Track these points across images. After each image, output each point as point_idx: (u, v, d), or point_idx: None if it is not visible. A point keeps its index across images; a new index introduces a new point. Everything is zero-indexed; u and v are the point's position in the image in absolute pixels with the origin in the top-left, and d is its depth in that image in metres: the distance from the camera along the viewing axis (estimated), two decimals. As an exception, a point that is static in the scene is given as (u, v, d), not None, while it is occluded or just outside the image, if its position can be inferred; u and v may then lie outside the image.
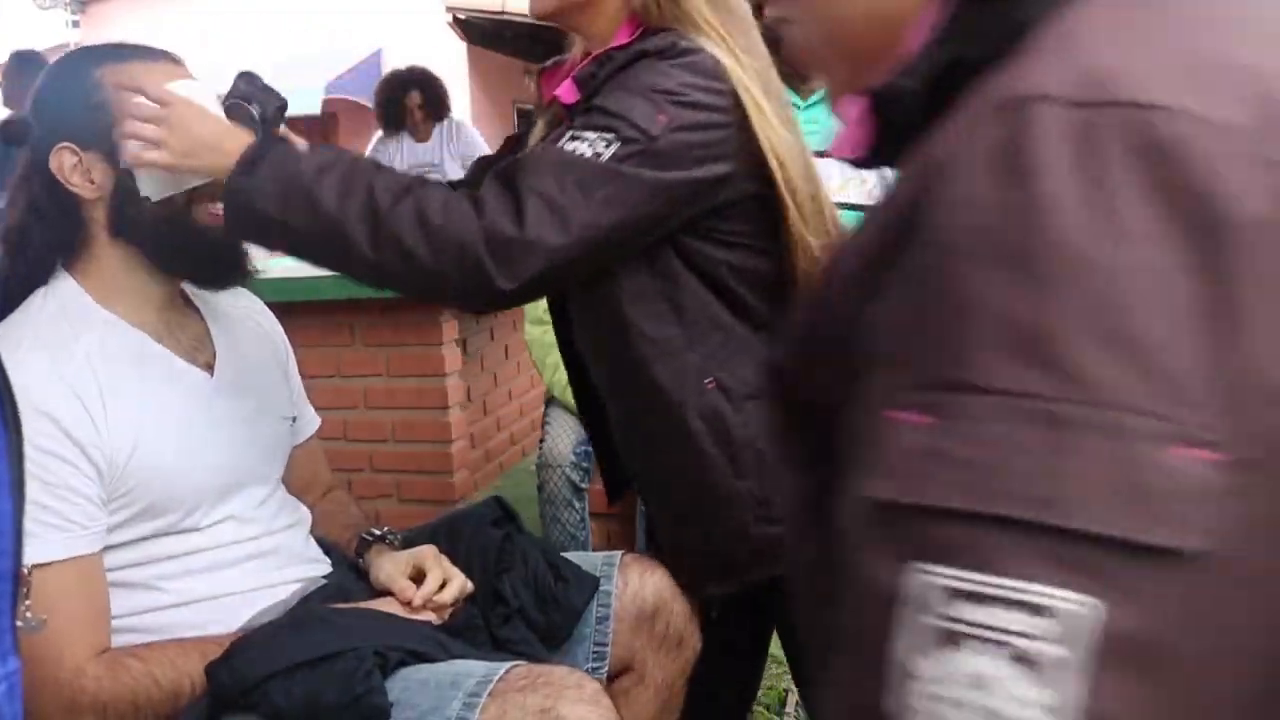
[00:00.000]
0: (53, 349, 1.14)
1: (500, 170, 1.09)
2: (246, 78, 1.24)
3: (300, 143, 1.17)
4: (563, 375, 2.43)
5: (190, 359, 1.27)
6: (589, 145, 1.08)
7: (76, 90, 1.21)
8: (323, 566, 1.37)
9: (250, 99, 1.20)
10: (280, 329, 1.47)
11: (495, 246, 1.04)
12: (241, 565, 1.25)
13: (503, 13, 9.12)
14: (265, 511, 1.31)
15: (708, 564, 1.31)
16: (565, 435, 2.36)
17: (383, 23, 9.47)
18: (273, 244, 1.15)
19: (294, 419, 1.44)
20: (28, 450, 1.05)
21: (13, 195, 1.23)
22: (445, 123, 4.73)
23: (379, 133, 4.88)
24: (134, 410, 1.16)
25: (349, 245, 1.07)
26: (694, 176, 1.12)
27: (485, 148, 4.72)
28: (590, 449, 2.36)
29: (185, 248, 1.22)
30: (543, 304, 2.45)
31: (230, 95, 1.20)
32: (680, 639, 1.45)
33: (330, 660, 1.12)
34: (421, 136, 4.72)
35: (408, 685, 1.14)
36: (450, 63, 9.72)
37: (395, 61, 5.16)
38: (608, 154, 1.07)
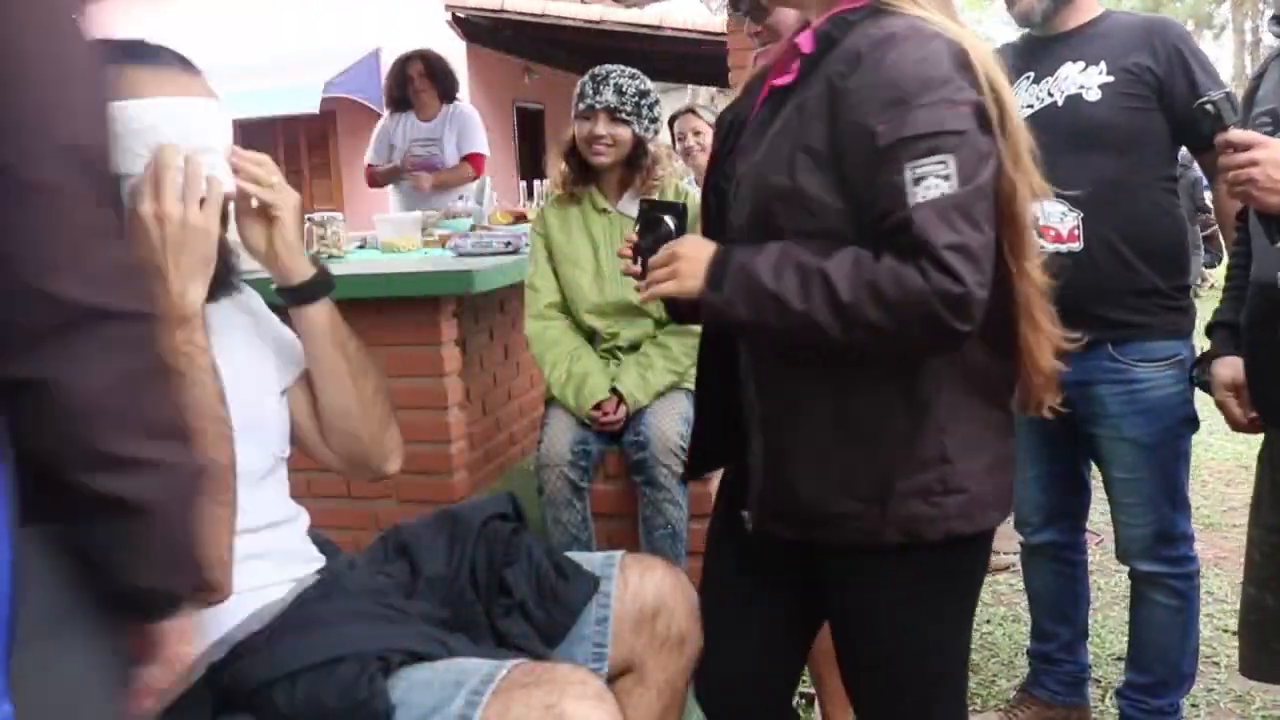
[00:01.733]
0: None
1: (907, 238, 1.18)
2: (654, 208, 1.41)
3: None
4: (561, 373, 2.44)
5: None
6: (940, 178, 1.17)
7: None
8: (317, 564, 1.37)
9: (662, 211, 1.39)
10: (256, 295, 1.45)
11: (949, 303, 1.16)
12: (239, 565, 1.24)
13: (501, 11, 9.12)
14: (262, 496, 1.30)
15: (784, 504, 1.34)
16: (563, 434, 2.36)
17: (381, 21, 9.46)
18: (750, 338, 1.34)
19: (284, 391, 1.41)
20: None
21: None
22: (452, 106, 4.73)
23: (385, 114, 4.88)
24: None
25: (821, 333, 1.21)
26: (992, 148, 1.23)
27: (480, 133, 4.73)
28: (588, 448, 2.37)
29: None
30: (544, 300, 2.45)
31: (648, 209, 1.40)
32: (682, 638, 1.44)
33: (333, 665, 1.12)
34: (426, 114, 4.71)
35: (411, 685, 1.14)
36: (450, 61, 9.72)
37: (394, 59, 5.17)
38: (956, 174, 1.17)
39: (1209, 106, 1.60)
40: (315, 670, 1.11)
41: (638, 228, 1.39)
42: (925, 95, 1.18)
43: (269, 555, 1.29)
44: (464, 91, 9.65)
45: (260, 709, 1.12)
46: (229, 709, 1.13)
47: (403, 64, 4.72)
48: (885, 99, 1.18)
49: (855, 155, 1.20)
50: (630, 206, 2.41)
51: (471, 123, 4.73)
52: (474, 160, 4.71)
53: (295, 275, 1.35)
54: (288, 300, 1.37)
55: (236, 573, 1.23)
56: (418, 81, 4.65)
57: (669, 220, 1.38)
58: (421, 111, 4.72)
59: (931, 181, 1.17)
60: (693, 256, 1.28)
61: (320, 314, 1.37)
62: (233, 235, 1.27)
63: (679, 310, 1.51)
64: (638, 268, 1.37)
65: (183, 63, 1.23)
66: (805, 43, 1.28)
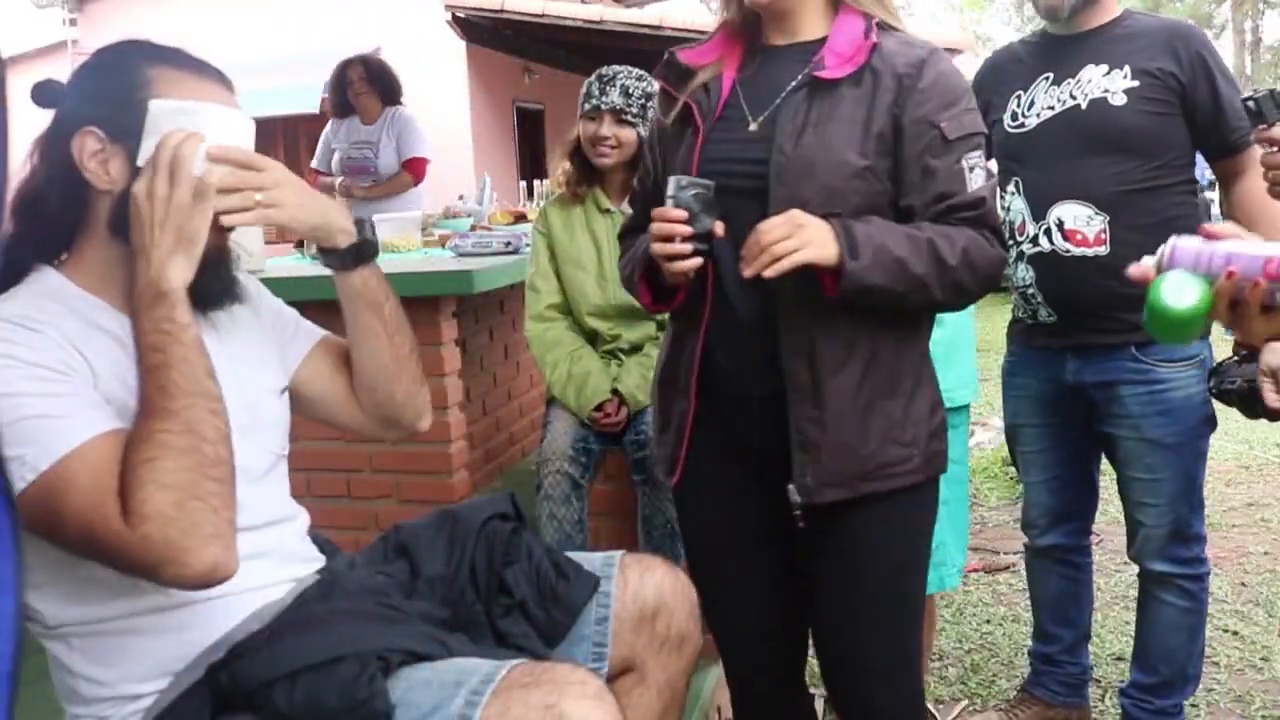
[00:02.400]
0: (39, 322, 1.13)
1: (980, 214, 1.43)
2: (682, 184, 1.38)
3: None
4: (562, 374, 2.44)
5: None
6: (982, 170, 1.44)
7: (123, 80, 1.19)
8: (316, 563, 1.37)
9: (692, 187, 1.37)
10: (261, 289, 1.45)
11: (1001, 268, 1.46)
12: (239, 565, 1.24)
13: (501, 11, 9.11)
14: (262, 494, 1.30)
15: (841, 465, 1.43)
16: (564, 433, 2.36)
17: (382, 21, 9.45)
18: (873, 303, 1.40)
19: (285, 389, 1.41)
20: (31, 384, 1.06)
21: (32, 161, 1.21)
22: (393, 110, 4.67)
23: (330, 122, 4.83)
24: (121, 386, 1.15)
25: (927, 294, 1.39)
26: None
27: (422, 139, 4.66)
28: (589, 447, 2.37)
29: None
30: (545, 301, 2.45)
31: (685, 185, 1.37)
32: (682, 638, 1.44)
33: (332, 665, 1.12)
34: (368, 118, 4.66)
35: (411, 685, 1.14)
36: (449, 61, 9.72)
37: (394, 59, 5.13)
38: (984, 169, 1.45)
39: (1250, 104, 1.62)
40: (315, 670, 1.11)
41: (677, 200, 1.37)
42: (968, 101, 1.45)
43: (269, 555, 1.29)
44: (464, 92, 9.73)
45: (260, 709, 1.11)
46: (229, 709, 1.13)
47: (343, 68, 4.66)
48: (945, 100, 1.41)
49: (917, 143, 1.40)
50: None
51: (411, 127, 4.67)
52: (414, 165, 4.65)
53: (331, 242, 1.33)
54: (328, 264, 1.37)
55: (237, 572, 1.23)
56: (358, 85, 4.61)
57: (711, 194, 1.37)
58: (363, 116, 4.67)
59: (979, 172, 1.43)
60: (814, 225, 1.34)
61: (357, 280, 1.37)
62: (236, 239, 1.27)
63: (663, 298, 1.52)
64: (685, 246, 1.36)
65: (220, 76, 1.26)
66: (870, 45, 1.42)
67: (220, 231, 1.21)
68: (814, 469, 1.43)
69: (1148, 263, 1.15)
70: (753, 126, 1.46)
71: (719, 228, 1.38)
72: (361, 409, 1.45)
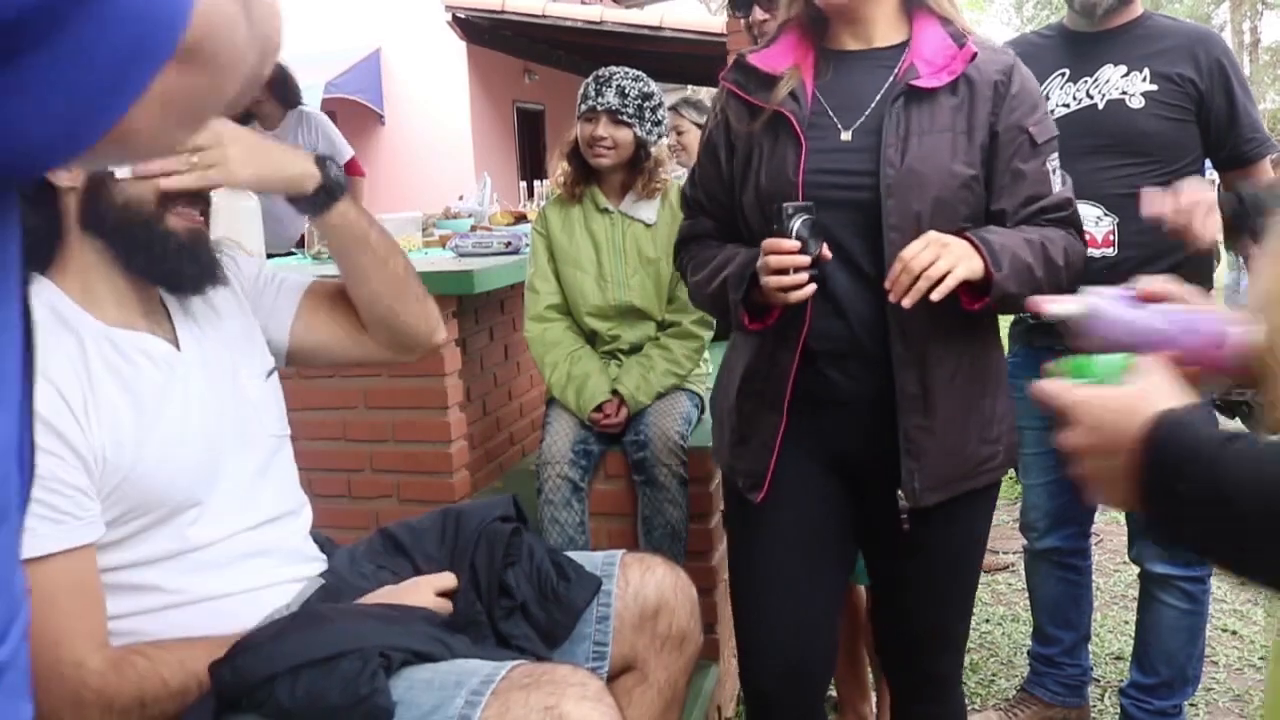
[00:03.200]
0: (51, 370, 1.12)
1: (1068, 214, 1.48)
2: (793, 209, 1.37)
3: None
4: (561, 374, 2.44)
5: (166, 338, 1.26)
6: (1059, 169, 1.49)
7: None
8: (319, 565, 1.37)
9: (799, 214, 1.36)
10: (238, 259, 1.43)
11: (1085, 264, 1.51)
12: (240, 564, 1.25)
13: (501, 11, 9.12)
14: (263, 489, 1.30)
15: (945, 469, 1.46)
16: (565, 434, 2.36)
17: (382, 21, 9.46)
18: (1002, 311, 1.49)
19: (272, 368, 1.40)
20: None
21: None
22: (296, 113, 4.55)
23: None
24: (115, 407, 1.16)
25: (1038, 293, 1.37)
26: None
27: (341, 142, 4.58)
28: (589, 448, 2.37)
29: (151, 248, 1.21)
30: (544, 301, 2.45)
31: (793, 214, 1.36)
32: (683, 637, 1.45)
33: (334, 661, 1.12)
34: (269, 124, 4.51)
35: (412, 684, 1.14)
36: (450, 62, 9.73)
37: (394, 60, 5.11)
38: (1060, 167, 1.49)
39: None
40: (317, 666, 1.12)
41: (788, 230, 1.35)
42: (1045, 104, 1.51)
43: (270, 553, 1.29)
44: (465, 92, 9.73)
45: (262, 704, 1.12)
46: (231, 706, 1.14)
47: None
48: (1032, 105, 1.46)
49: (1009, 148, 1.44)
50: (633, 208, 2.41)
51: (330, 132, 4.58)
52: (352, 167, 4.60)
53: (298, 189, 1.32)
54: (301, 212, 1.38)
55: (239, 572, 1.24)
56: (256, 91, 4.51)
57: (815, 217, 1.37)
58: (264, 122, 4.52)
59: (1060, 174, 1.49)
60: (956, 242, 1.35)
61: (336, 217, 1.37)
62: (235, 238, 1.27)
63: (759, 315, 1.47)
64: (801, 276, 1.34)
65: None
66: (969, 54, 1.44)
67: (191, 215, 1.22)
68: (920, 474, 1.44)
69: (1056, 309, 0.96)
70: (845, 136, 1.43)
71: (826, 251, 1.36)
72: (374, 339, 1.46)
